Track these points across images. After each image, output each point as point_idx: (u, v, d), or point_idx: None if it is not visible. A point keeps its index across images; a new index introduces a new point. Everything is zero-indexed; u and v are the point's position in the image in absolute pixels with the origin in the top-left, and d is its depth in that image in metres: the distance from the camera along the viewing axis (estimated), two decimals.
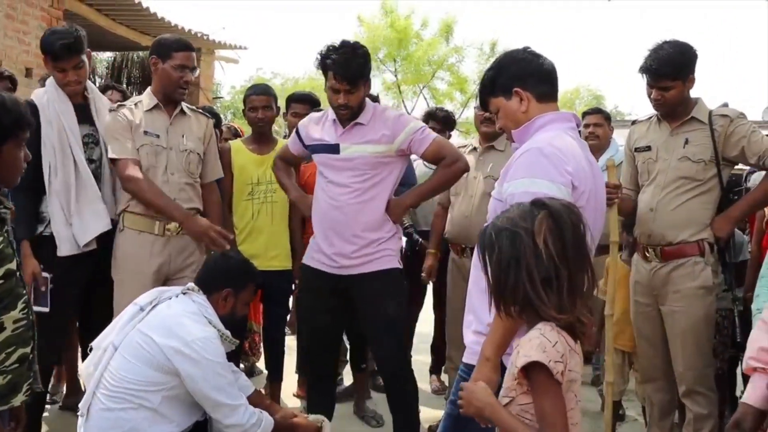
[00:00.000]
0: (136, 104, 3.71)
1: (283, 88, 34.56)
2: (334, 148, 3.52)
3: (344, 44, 3.46)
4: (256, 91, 4.40)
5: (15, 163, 2.20)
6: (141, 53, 11.77)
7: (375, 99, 5.08)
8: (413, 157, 3.89)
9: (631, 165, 3.74)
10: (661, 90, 3.44)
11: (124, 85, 11.96)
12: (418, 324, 5.22)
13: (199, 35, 10.70)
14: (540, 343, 1.75)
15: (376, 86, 19.12)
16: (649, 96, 3.52)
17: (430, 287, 5.13)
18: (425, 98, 20.70)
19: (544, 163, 2.23)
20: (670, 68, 3.39)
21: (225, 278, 3.17)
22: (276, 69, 32.51)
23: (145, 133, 3.64)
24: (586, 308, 1.84)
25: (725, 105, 3.66)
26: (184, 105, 3.81)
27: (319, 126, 3.63)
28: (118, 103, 3.77)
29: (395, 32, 19.45)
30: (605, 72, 62.31)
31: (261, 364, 4.93)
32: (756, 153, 3.35)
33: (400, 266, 3.63)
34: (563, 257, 1.77)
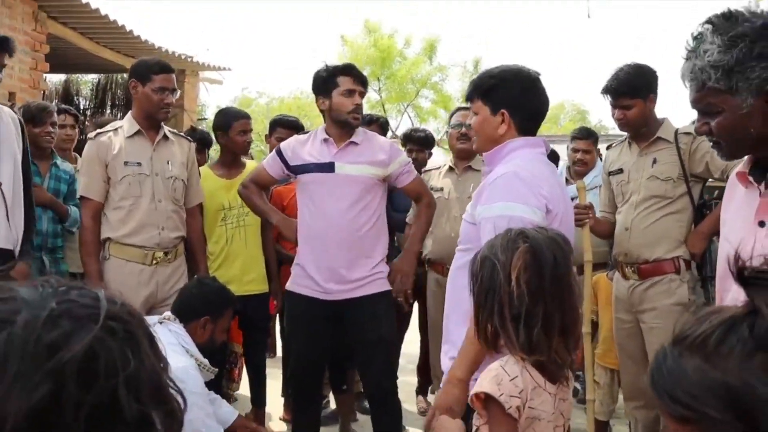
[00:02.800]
0: (116, 130, 3.66)
1: (268, 107, 34.68)
2: (329, 167, 3.52)
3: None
4: (245, 115, 4.36)
5: None
6: (125, 75, 11.79)
7: (384, 123, 5.13)
8: None
9: (608, 188, 3.84)
10: (623, 109, 3.55)
11: (108, 107, 12.00)
12: (404, 344, 5.24)
13: (183, 57, 10.72)
14: (496, 375, 1.72)
15: None
16: (613, 116, 3.63)
17: (415, 308, 5.18)
18: (409, 116, 20.88)
19: (520, 186, 2.27)
20: (629, 87, 3.50)
21: (202, 306, 3.16)
22: (261, 88, 32.53)
23: (126, 163, 3.59)
24: (567, 345, 1.78)
25: (694, 122, 3.73)
26: (166, 129, 3.78)
27: (306, 147, 3.63)
28: (97, 131, 3.71)
29: (379, 51, 19.54)
30: (589, 87, 62.71)
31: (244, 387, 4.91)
32: (719, 167, 3.42)
33: (390, 288, 3.66)
34: (539, 294, 1.72)
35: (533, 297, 1.71)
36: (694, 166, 3.50)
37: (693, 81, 1.63)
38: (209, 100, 36.98)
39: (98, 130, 3.72)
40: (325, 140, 3.58)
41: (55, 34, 8.18)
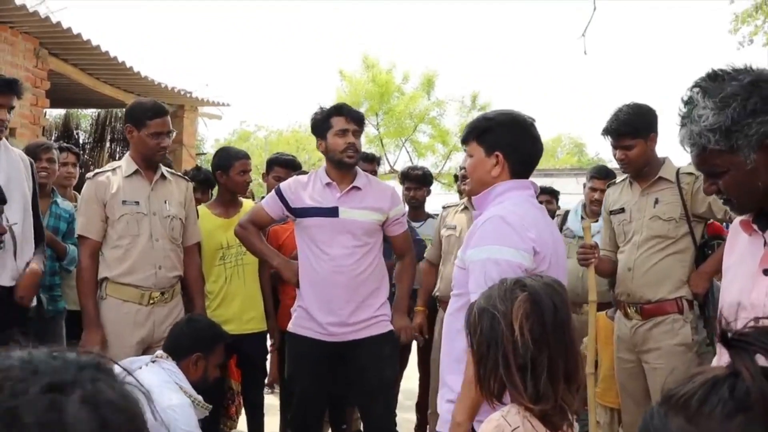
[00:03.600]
0: (114, 170, 3.67)
1: (267, 141, 34.82)
2: (332, 212, 3.54)
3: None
4: (246, 155, 4.35)
5: None
6: (125, 110, 11.83)
7: (369, 158, 5.18)
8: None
9: (609, 227, 3.83)
10: (624, 149, 3.55)
11: (108, 142, 12.03)
12: (403, 381, 5.21)
13: (182, 93, 10.77)
14: (497, 425, 1.70)
15: None
16: (615, 157, 3.63)
17: (414, 344, 5.15)
18: (407, 151, 20.87)
19: (508, 230, 2.28)
20: (629, 127, 3.50)
21: (193, 343, 3.16)
22: (259, 122, 32.70)
23: (124, 202, 3.58)
24: (571, 390, 1.77)
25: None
26: (164, 169, 3.78)
27: (308, 189, 3.63)
28: (96, 171, 3.72)
29: (377, 86, 19.60)
30: (586, 120, 63.25)
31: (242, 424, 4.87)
32: (722, 208, 3.41)
33: (393, 329, 3.68)
34: (543, 342, 1.71)
35: (537, 345, 1.70)
36: (696, 206, 3.50)
37: (693, 146, 1.65)
38: (207, 134, 37.16)
39: (96, 170, 3.73)
40: (328, 184, 3.60)
41: (55, 70, 8.23)
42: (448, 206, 4.71)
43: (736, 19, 14.23)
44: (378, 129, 20.39)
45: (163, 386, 2.92)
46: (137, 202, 3.61)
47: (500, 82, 68.18)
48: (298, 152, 33.10)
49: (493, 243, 2.27)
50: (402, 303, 3.82)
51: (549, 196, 6.12)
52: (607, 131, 3.57)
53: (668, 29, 75.69)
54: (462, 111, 20.91)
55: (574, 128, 74.54)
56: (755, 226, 1.71)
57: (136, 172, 3.66)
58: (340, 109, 3.60)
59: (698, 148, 1.64)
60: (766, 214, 1.69)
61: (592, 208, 4.97)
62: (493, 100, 25.96)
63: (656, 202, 3.57)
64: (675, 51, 74.66)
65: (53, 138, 11.68)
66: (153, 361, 3.06)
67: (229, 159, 4.25)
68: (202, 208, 4.24)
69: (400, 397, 4.99)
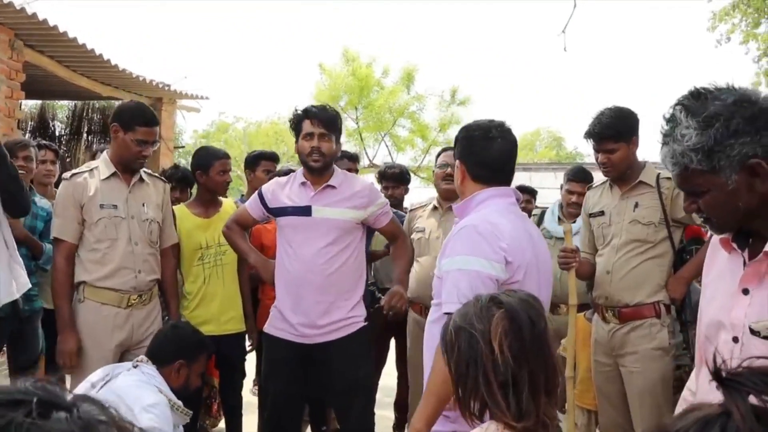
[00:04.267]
0: (91, 171, 3.62)
1: (245, 132, 34.63)
2: (305, 210, 3.54)
3: (321, 105, 3.70)
4: (225, 155, 4.30)
5: None
6: (102, 102, 11.72)
7: (353, 157, 5.18)
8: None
9: (588, 229, 3.84)
10: (607, 153, 3.56)
11: (85, 133, 11.91)
12: (381, 377, 5.21)
13: (160, 86, 10.67)
14: None
15: None
16: (597, 161, 3.64)
17: (392, 343, 5.17)
18: (386, 145, 20.87)
19: (479, 240, 2.31)
20: (612, 130, 3.51)
21: (177, 350, 3.16)
22: (238, 113, 32.50)
23: (101, 206, 3.54)
24: (551, 402, 1.76)
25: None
26: (141, 171, 3.73)
27: (286, 189, 3.65)
28: (72, 171, 3.66)
29: (357, 80, 19.54)
30: (564, 114, 63.57)
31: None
32: None
33: (366, 323, 3.66)
34: (522, 358, 1.70)
35: (517, 361, 1.69)
36: (675, 211, 3.51)
37: (675, 165, 1.65)
38: (186, 125, 36.86)
39: (73, 171, 3.67)
40: (303, 183, 3.61)
41: (31, 62, 8.11)
42: (414, 207, 4.69)
43: (714, 17, 14.39)
44: (357, 123, 20.36)
45: (140, 386, 2.92)
46: (115, 206, 3.57)
47: (479, 76, 68.33)
48: (277, 144, 33.06)
49: (463, 253, 2.30)
50: (402, 278, 3.76)
51: (528, 195, 6.13)
52: (589, 134, 3.58)
53: (647, 26, 76.27)
54: (441, 105, 20.95)
55: (553, 122, 75.07)
56: (734, 245, 1.72)
57: (114, 174, 3.61)
58: (307, 112, 3.58)
59: (680, 168, 1.64)
60: (745, 234, 1.70)
61: (569, 210, 4.97)
62: (473, 95, 26.07)
63: (636, 206, 3.59)
64: (653, 47, 75.23)
65: (28, 128, 11.56)
66: (135, 366, 3.05)
67: (209, 159, 4.21)
68: (181, 208, 4.20)
69: (379, 393, 4.98)
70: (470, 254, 2.28)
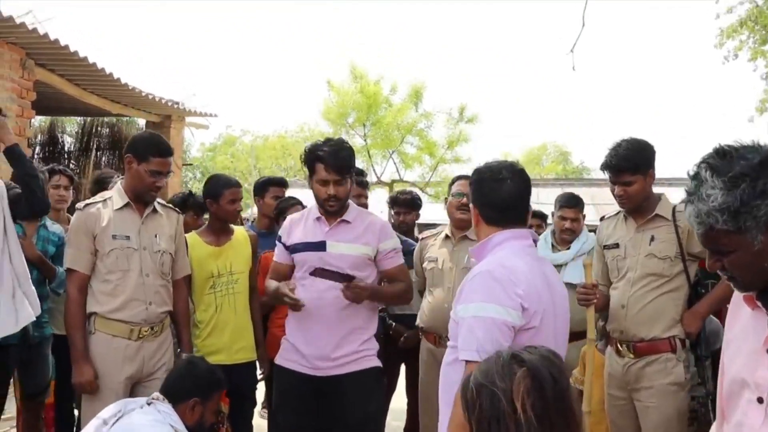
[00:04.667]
0: (105, 201, 3.61)
1: (252, 145, 34.70)
2: (320, 246, 3.52)
3: (331, 139, 3.60)
4: (235, 183, 4.25)
5: None
6: (112, 118, 11.74)
7: (362, 183, 5.14)
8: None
9: (601, 261, 3.80)
10: (623, 185, 3.53)
11: (94, 150, 11.91)
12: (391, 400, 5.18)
13: (169, 104, 10.70)
14: None
15: None
16: (613, 193, 3.61)
17: (402, 368, 5.14)
18: (394, 162, 20.85)
19: (494, 287, 2.28)
20: (630, 163, 3.49)
21: (192, 387, 3.12)
22: (245, 126, 32.60)
23: (114, 237, 3.53)
24: None
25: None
26: (155, 202, 3.71)
27: (300, 226, 3.64)
28: (86, 202, 3.66)
29: (365, 97, 19.51)
30: (571, 128, 63.58)
31: None
32: None
33: (380, 364, 3.63)
34: (545, 417, 1.68)
35: (540, 420, 1.67)
36: (692, 245, 3.48)
37: (700, 224, 1.64)
38: (193, 139, 36.90)
39: (87, 201, 3.67)
40: (318, 219, 3.59)
41: (42, 80, 8.14)
42: (426, 236, 4.65)
43: (722, 34, 14.36)
44: (365, 140, 20.35)
45: (155, 425, 2.89)
46: (128, 237, 3.55)
47: (486, 91, 68.45)
48: (284, 157, 33.16)
49: (479, 300, 2.28)
50: (383, 289, 3.68)
51: (539, 219, 6.11)
52: (606, 166, 3.56)
53: (654, 41, 76.29)
54: (449, 123, 20.93)
55: (559, 136, 75.14)
56: (759, 303, 1.69)
57: (127, 204, 3.60)
58: (321, 158, 3.47)
59: (705, 227, 1.63)
60: None
61: (562, 237, 4.96)
62: (480, 111, 26.06)
63: (652, 239, 3.56)
64: (660, 62, 75.26)
65: (37, 143, 11.57)
66: (149, 403, 3.02)
67: (218, 188, 4.17)
68: (193, 236, 4.17)
69: (388, 417, 4.96)
70: (486, 301, 2.26)
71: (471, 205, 2.58)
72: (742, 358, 1.70)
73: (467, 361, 2.23)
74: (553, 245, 4.98)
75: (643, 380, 3.51)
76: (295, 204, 4.63)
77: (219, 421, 4.41)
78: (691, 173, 1.66)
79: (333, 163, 3.45)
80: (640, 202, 3.57)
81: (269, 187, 5.00)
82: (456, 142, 20.78)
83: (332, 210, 3.52)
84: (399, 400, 5.31)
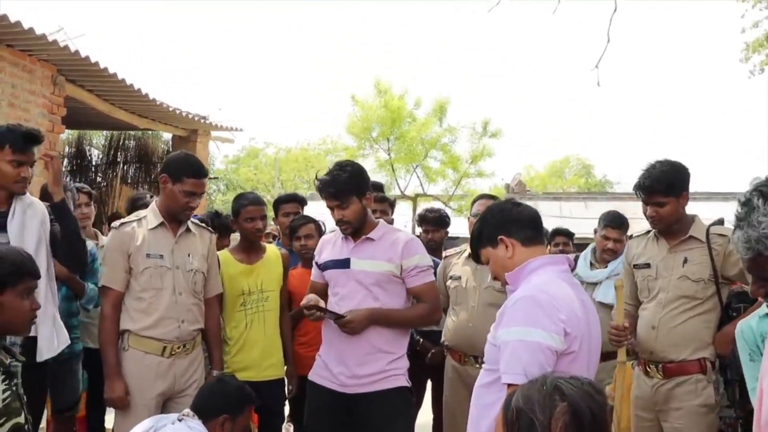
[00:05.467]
0: (140, 220, 3.67)
1: (276, 157, 34.88)
2: (345, 263, 3.59)
3: (335, 164, 3.67)
4: (252, 201, 4.18)
5: (17, 311, 2.24)
6: (138, 132, 11.87)
7: (383, 199, 5.13)
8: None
9: (630, 280, 3.77)
10: (656, 206, 3.53)
11: (121, 163, 12.03)
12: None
13: (196, 118, 10.81)
14: None
15: (369, 164, 19.15)
16: (645, 213, 3.61)
17: (429, 383, 5.16)
18: (418, 177, 20.82)
19: (538, 312, 2.29)
20: (663, 185, 3.49)
21: (222, 404, 3.16)
22: (268, 138, 32.80)
23: (148, 255, 3.58)
24: None
25: (720, 221, 3.71)
26: (189, 221, 3.76)
27: (330, 245, 3.73)
28: (121, 221, 3.73)
29: (389, 112, 19.51)
30: (594, 141, 63.39)
31: None
32: None
33: (408, 384, 3.63)
34: None
35: None
36: (727, 268, 3.47)
37: (749, 250, 1.68)
38: (218, 152, 37.19)
39: (122, 220, 3.74)
40: (345, 238, 3.65)
41: (72, 96, 8.26)
42: (450, 255, 4.64)
43: (747, 48, 14.29)
44: (389, 154, 20.36)
45: None
46: (161, 256, 3.60)
47: (509, 105, 68.41)
48: (307, 170, 33.26)
49: (523, 324, 2.28)
50: (387, 313, 3.56)
51: (564, 237, 6.09)
52: (640, 187, 3.56)
53: (679, 55, 75.89)
54: (473, 137, 20.90)
55: (582, 149, 74.81)
56: None
57: (161, 224, 3.66)
58: (318, 189, 3.58)
59: (753, 253, 1.67)
60: None
61: (603, 256, 4.91)
62: (503, 125, 26.03)
63: (685, 261, 3.54)
64: (684, 76, 74.79)
65: (65, 156, 11.69)
66: (180, 420, 3.06)
67: (237, 206, 4.18)
68: (224, 254, 4.20)
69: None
70: (530, 325, 2.27)
71: (498, 245, 2.52)
72: None
73: (509, 384, 2.24)
74: (591, 263, 4.95)
75: (672, 401, 3.49)
76: (307, 223, 4.62)
77: None
78: (743, 200, 1.69)
79: (327, 191, 3.53)
80: (672, 223, 3.56)
81: (280, 205, 5.07)
82: (480, 156, 20.72)
83: (347, 233, 3.60)
84: (425, 415, 5.31)
